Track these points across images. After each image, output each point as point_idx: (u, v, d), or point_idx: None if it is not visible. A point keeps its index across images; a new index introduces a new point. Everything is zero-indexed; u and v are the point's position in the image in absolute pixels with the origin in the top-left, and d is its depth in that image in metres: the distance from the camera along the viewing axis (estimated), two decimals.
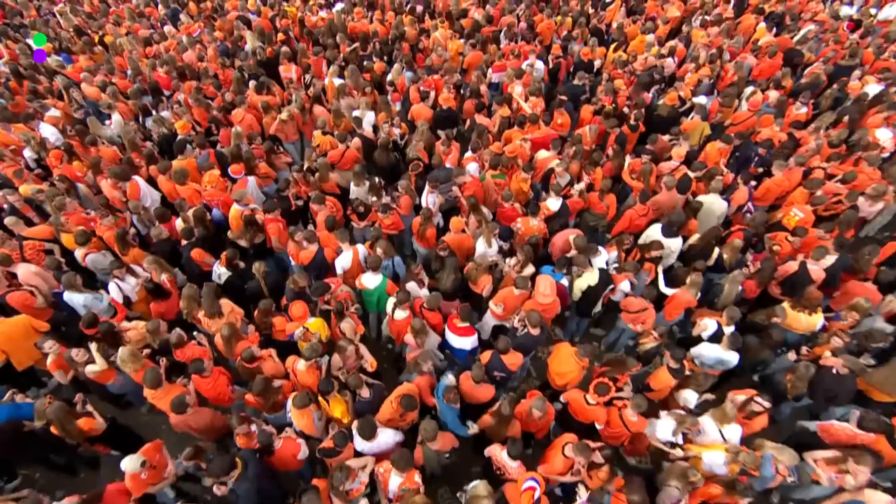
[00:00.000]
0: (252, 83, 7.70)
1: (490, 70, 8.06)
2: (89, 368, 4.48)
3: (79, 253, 5.40)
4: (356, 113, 6.99)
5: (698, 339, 5.02)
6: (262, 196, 6.34)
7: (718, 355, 4.65)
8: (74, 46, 9.29)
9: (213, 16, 10.32)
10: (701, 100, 7.68)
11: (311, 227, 5.99)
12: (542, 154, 6.57)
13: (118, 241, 5.35)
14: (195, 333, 4.81)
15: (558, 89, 7.45)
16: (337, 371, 4.40)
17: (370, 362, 4.53)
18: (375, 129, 7.10)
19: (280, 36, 9.06)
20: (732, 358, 4.63)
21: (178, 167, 6.13)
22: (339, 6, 10.23)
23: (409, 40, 8.77)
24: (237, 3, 10.72)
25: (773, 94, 7.87)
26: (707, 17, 10.26)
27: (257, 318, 4.87)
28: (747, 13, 10.79)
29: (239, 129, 6.77)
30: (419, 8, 10.17)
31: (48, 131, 7.08)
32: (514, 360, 4.43)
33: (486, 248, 5.48)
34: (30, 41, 9.58)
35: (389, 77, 7.96)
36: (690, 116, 7.33)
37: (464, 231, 5.59)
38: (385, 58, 8.67)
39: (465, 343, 4.70)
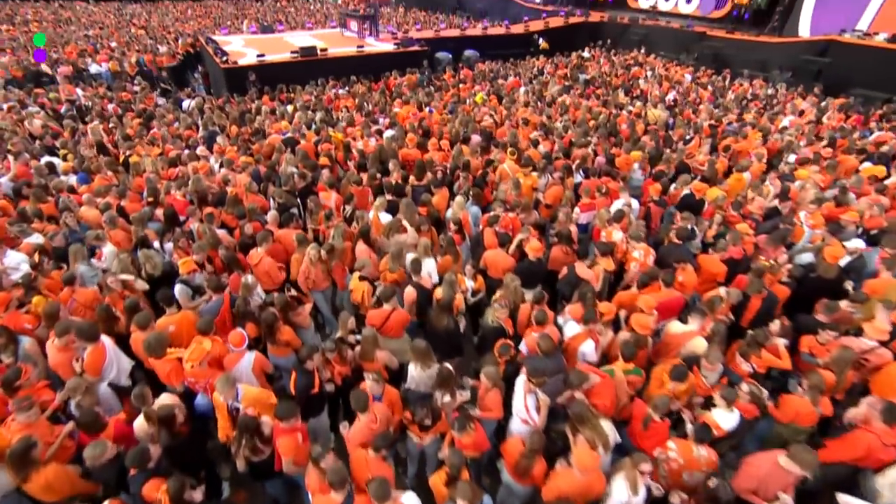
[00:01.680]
0: (271, 214, 6.10)
1: (577, 209, 6.51)
2: None
3: None
4: (412, 255, 5.27)
5: None
6: (255, 383, 4.27)
7: None
8: (93, 165, 8.26)
9: (251, 139, 9.43)
10: (857, 244, 5.91)
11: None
12: (677, 328, 4.59)
13: (10, 461, 3.19)
14: None
15: (669, 232, 5.75)
16: None
17: None
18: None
19: (323, 160, 7.86)
20: None
21: (155, 331, 4.26)
22: (389, 133, 9.31)
23: (473, 171, 7.44)
24: (279, 125, 9.95)
25: None
26: (797, 155, 9.10)
27: None
28: (839, 152, 9.62)
29: (250, 278, 4.96)
30: (474, 138, 9.12)
31: (14, 260, 5.50)
32: None
33: (629, 497, 3.26)
34: (50, 160, 8.73)
35: (450, 213, 6.42)
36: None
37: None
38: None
39: None
